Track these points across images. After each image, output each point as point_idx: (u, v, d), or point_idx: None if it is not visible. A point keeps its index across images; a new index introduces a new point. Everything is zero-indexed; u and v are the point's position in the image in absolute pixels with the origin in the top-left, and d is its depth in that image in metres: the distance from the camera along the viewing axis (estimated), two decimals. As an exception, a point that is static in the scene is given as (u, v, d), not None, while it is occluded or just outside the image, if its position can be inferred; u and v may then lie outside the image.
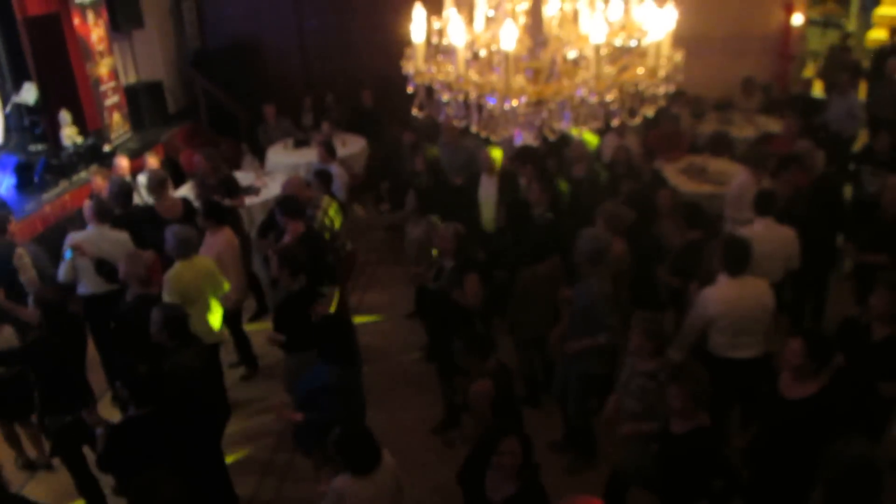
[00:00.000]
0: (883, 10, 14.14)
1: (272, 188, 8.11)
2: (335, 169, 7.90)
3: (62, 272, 5.89)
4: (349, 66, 11.35)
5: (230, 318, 6.42)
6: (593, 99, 2.74)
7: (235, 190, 7.57)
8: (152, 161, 8.17)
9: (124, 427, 4.17)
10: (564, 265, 5.98)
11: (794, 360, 3.91)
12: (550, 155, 8.04)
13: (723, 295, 4.81)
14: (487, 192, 7.21)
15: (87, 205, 6.11)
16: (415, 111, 2.97)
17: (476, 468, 3.73)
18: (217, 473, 4.81)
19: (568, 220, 6.43)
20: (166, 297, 5.30)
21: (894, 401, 4.34)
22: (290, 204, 6.15)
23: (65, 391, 4.85)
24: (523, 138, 2.94)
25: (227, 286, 5.85)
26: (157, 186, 6.80)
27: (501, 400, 4.31)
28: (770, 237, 5.47)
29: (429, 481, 5.12)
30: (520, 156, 7.46)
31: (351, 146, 9.81)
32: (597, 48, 2.64)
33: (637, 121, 2.98)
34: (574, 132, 7.78)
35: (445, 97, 2.85)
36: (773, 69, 11.63)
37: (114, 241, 5.97)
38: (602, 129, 8.02)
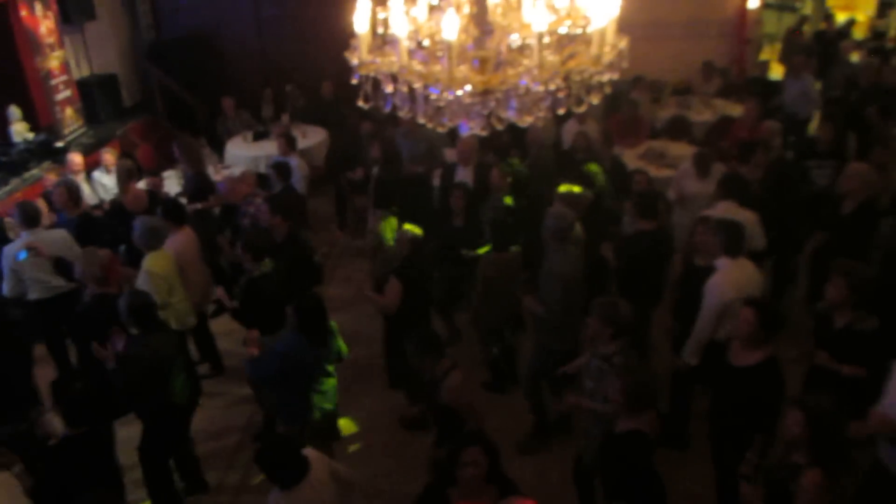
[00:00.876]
0: (837, -7, 14.38)
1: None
2: (295, 161, 7.84)
3: (7, 287, 5.77)
4: (309, 56, 11.21)
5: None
6: (538, 88, 2.72)
7: (209, 189, 7.51)
8: (108, 157, 8.02)
9: (57, 451, 4.06)
10: (524, 254, 6.01)
11: (746, 328, 4.03)
12: (514, 144, 8.06)
13: (733, 278, 4.79)
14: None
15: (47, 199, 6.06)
16: (360, 103, 2.94)
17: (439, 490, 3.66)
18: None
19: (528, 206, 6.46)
20: (152, 290, 5.23)
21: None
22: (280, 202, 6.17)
23: (8, 400, 4.77)
24: (470, 128, 2.92)
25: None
26: (124, 177, 6.76)
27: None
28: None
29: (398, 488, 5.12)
30: (482, 144, 7.49)
31: (311, 137, 9.74)
32: (540, 36, 2.62)
33: (583, 108, 2.97)
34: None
35: (389, 88, 2.82)
36: (731, 53, 11.74)
37: (53, 240, 5.86)
38: (562, 117, 8.18)
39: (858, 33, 13.99)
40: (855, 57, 11.15)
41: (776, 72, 12.08)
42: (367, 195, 7.90)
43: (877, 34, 13.80)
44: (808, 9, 15.67)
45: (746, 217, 5.60)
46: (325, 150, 9.74)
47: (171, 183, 8.27)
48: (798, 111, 9.52)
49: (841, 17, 13.78)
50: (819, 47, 11.92)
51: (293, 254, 5.88)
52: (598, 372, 4.29)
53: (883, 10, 14.91)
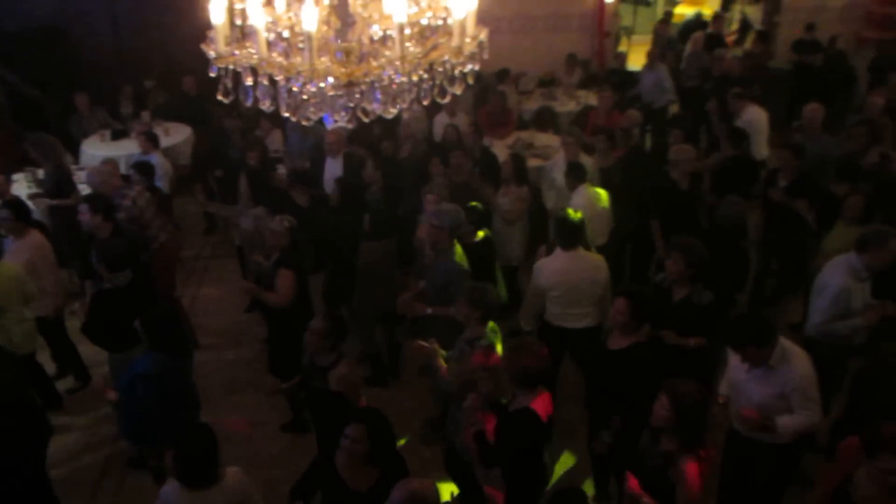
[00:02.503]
0: (686, -12, 15.22)
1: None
2: (157, 160, 7.52)
3: None
4: (169, 50, 10.72)
5: (51, 326, 5.96)
6: (401, 79, 2.73)
7: (69, 187, 7.04)
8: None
9: None
10: (399, 244, 6.04)
11: (619, 317, 4.23)
12: (385, 136, 8.05)
13: (555, 267, 5.07)
14: (332, 174, 7.15)
15: None
16: (220, 97, 2.84)
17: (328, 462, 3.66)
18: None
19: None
20: None
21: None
22: (100, 201, 5.76)
23: None
24: (335, 121, 2.88)
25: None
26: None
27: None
28: (587, 204, 5.95)
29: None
30: (351, 137, 7.46)
31: (175, 135, 9.34)
32: (401, 27, 2.62)
33: (447, 99, 3.00)
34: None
35: (249, 81, 2.74)
36: (592, 45, 12.21)
37: None
38: (433, 110, 8.26)
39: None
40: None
41: (636, 63, 12.63)
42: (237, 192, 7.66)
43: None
44: (660, 2, 16.52)
45: (599, 197, 6.09)
46: (190, 147, 9.37)
47: (21, 187, 7.69)
48: (654, 101, 10.05)
49: (688, 11, 14.60)
50: (681, 37, 12.60)
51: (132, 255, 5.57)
52: (460, 354, 4.35)
53: (727, 4, 15.92)
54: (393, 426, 3.63)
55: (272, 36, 2.84)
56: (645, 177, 6.72)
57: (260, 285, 5.35)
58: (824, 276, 4.80)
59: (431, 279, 5.19)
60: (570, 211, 5.22)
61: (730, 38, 14.39)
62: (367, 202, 6.45)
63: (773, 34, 12.45)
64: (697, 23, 13.63)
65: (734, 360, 4.06)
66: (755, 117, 7.98)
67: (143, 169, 6.89)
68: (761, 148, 8.02)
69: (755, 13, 14.08)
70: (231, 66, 2.80)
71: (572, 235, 5.08)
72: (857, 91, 10.64)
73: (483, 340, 4.26)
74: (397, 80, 2.71)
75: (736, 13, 15.11)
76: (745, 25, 13.94)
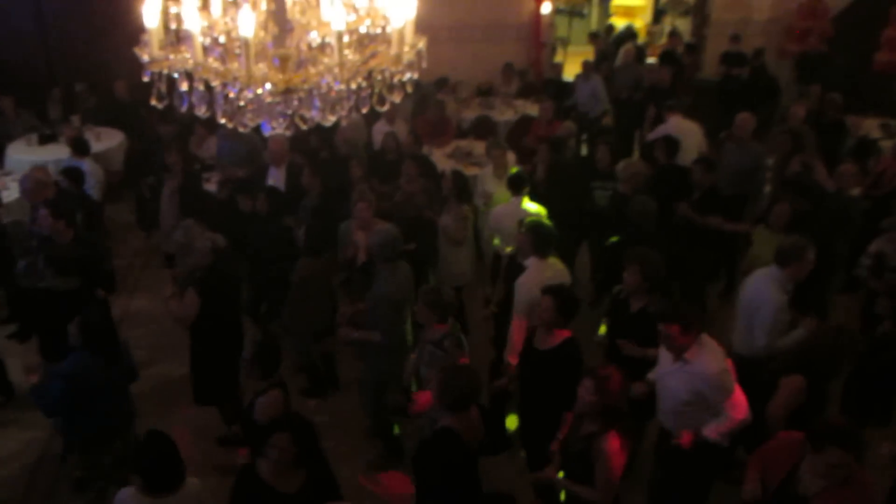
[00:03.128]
0: (618, 0, 15.59)
1: (14, 190, 7.32)
2: (87, 166, 7.31)
3: None
4: (100, 53, 10.40)
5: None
6: (340, 87, 2.74)
7: None
8: None
9: None
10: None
11: (546, 314, 4.29)
12: (323, 144, 8.01)
13: (539, 277, 4.97)
14: (276, 184, 6.98)
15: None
16: (153, 102, 2.79)
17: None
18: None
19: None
20: None
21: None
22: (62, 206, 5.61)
23: None
24: (273, 128, 2.87)
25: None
26: None
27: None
28: (521, 214, 5.94)
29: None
30: (291, 145, 7.38)
31: (106, 141, 9.11)
32: (339, 35, 2.63)
33: (386, 107, 3.02)
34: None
35: (184, 86, 2.71)
36: (528, 55, 12.40)
37: None
38: (372, 118, 8.25)
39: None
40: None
41: (571, 73, 12.87)
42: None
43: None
44: (593, 14, 16.90)
45: (535, 211, 5.98)
46: (122, 153, 9.14)
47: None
48: (589, 110, 10.27)
49: (621, 23, 14.97)
50: (615, 48, 12.92)
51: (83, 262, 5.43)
52: (431, 357, 4.42)
53: (658, 16, 16.40)
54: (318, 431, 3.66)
55: (208, 41, 2.81)
56: (573, 188, 6.85)
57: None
58: (754, 295, 4.83)
59: (368, 300, 5.14)
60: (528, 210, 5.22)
61: (660, 51, 14.83)
62: (300, 212, 6.39)
63: (701, 47, 12.86)
64: (628, 34, 14.01)
65: (662, 351, 4.16)
66: (682, 127, 8.22)
67: (73, 175, 6.69)
68: (687, 157, 8.24)
69: (685, 26, 14.53)
70: (165, 71, 2.76)
71: (549, 242, 5.07)
72: (780, 102, 11.07)
73: (449, 339, 4.36)
74: (336, 88, 2.72)
75: (666, 26, 15.56)
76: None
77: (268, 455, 3.46)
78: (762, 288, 4.77)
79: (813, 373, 3.98)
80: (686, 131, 8.08)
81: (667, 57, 11.60)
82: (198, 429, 5.62)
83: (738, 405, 3.96)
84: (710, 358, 3.95)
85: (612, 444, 3.50)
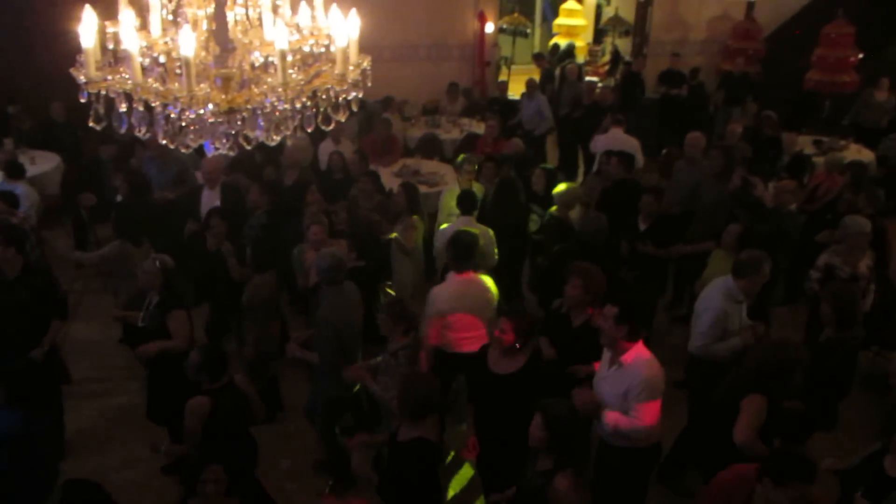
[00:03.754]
0: (560, 20, 15.89)
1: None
2: (22, 190, 7.07)
3: None
4: (35, 74, 10.10)
5: None
6: (283, 106, 2.71)
7: None
8: None
9: None
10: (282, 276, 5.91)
11: (505, 337, 4.21)
12: (269, 162, 7.92)
13: (451, 292, 4.99)
14: (209, 205, 6.81)
15: None
16: (91, 123, 2.72)
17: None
18: None
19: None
20: None
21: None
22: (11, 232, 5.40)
23: None
24: (216, 148, 2.82)
25: None
26: None
27: (217, 422, 4.11)
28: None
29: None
30: (233, 164, 7.29)
31: (42, 164, 8.84)
32: (283, 54, 2.61)
33: (332, 126, 2.99)
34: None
35: (122, 107, 2.64)
36: (473, 74, 12.53)
37: None
38: (317, 138, 8.21)
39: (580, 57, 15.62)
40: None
41: (515, 91, 13.05)
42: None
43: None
44: (536, 34, 17.18)
45: (482, 230, 6.00)
46: (59, 176, 8.88)
47: None
48: (534, 128, 10.41)
49: (563, 42, 15.24)
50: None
51: (34, 289, 5.23)
52: (386, 366, 4.42)
53: (599, 36, 16.75)
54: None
55: (147, 61, 2.75)
56: (518, 205, 6.92)
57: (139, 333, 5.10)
58: (704, 299, 4.98)
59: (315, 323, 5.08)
60: (468, 229, 5.19)
61: (602, 69, 15.16)
62: (245, 232, 6.30)
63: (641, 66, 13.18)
64: (568, 53, 14.30)
65: (603, 358, 4.17)
66: (622, 140, 8.42)
67: (7, 199, 6.47)
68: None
69: (625, 45, 14.88)
70: (103, 92, 2.69)
71: (467, 256, 5.05)
72: (717, 119, 11.41)
73: (406, 351, 4.38)
74: (280, 107, 2.68)
75: (608, 45, 15.91)
76: (616, 57, 14.70)
77: (200, 491, 3.40)
78: (713, 294, 4.91)
79: (768, 390, 3.98)
80: (625, 144, 8.27)
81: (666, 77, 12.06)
82: (141, 457, 5.46)
83: (651, 416, 3.92)
84: (646, 364, 3.95)
85: (566, 483, 3.44)
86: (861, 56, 10.85)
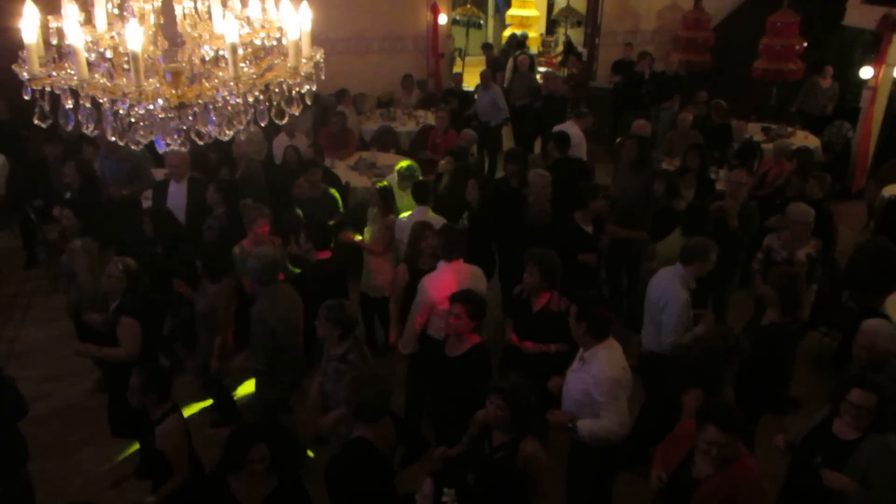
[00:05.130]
0: (512, 11, 15.94)
1: None
2: (-36, 191, 6.86)
3: None
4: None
5: None
6: (236, 100, 2.67)
7: None
8: None
9: None
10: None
11: (458, 321, 4.29)
12: (223, 160, 7.80)
13: (442, 280, 4.97)
14: (176, 200, 6.73)
15: None
16: (36, 121, 2.64)
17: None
18: None
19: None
20: None
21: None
22: None
23: None
24: (167, 144, 2.77)
25: None
26: None
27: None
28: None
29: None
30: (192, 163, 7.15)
31: (-15, 164, 8.57)
32: (233, 48, 2.57)
33: (286, 120, 2.96)
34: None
35: (68, 104, 2.58)
36: (427, 66, 12.49)
37: None
38: (271, 132, 8.11)
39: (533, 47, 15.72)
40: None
41: (470, 83, 13.08)
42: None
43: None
44: (489, 25, 17.22)
45: (434, 219, 6.02)
46: (4, 177, 8.62)
47: None
48: (490, 119, 10.43)
49: (519, 33, 15.31)
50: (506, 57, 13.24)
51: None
52: (336, 373, 4.33)
53: (551, 27, 16.87)
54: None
55: (93, 56, 2.69)
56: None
57: (93, 335, 4.97)
58: (660, 293, 4.99)
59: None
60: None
61: (555, 60, 15.28)
62: (204, 232, 6.18)
63: (594, 56, 13.30)
64: (520, 44, 14.37)
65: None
66: (574, 133, 8.48)
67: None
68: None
69: (577, 36, 15.00)
70: (48, 88, 2.62)
71: (457, 244, 5.07)
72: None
73: (354, 352, 4.28)
74: (232, 102, 2.65)
75: (560, 36, 16.03)
76: (569, 48, 14.82)
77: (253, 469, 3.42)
78: (667, 286, 4.96)
79: (707, 380, 4.07)
80: (577, 138, 8.35)
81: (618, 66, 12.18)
82: (99, 465, 5.35)
83: (621, 417, 3.97)
84: (606, 362, 3.97)
85: (533, 446, 3.55)
86: (805, 45, 11.09)
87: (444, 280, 4.99)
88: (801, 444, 3.97)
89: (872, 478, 3.56)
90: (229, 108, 2.70)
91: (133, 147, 2.75)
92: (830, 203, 7.18)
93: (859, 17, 9.98)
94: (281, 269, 5.13)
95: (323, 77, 2.94)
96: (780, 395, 5.02)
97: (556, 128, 8.29)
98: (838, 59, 11.71)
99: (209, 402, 5.84)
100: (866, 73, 10.34)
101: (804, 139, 10.10)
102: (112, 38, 2.70)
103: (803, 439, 3.98)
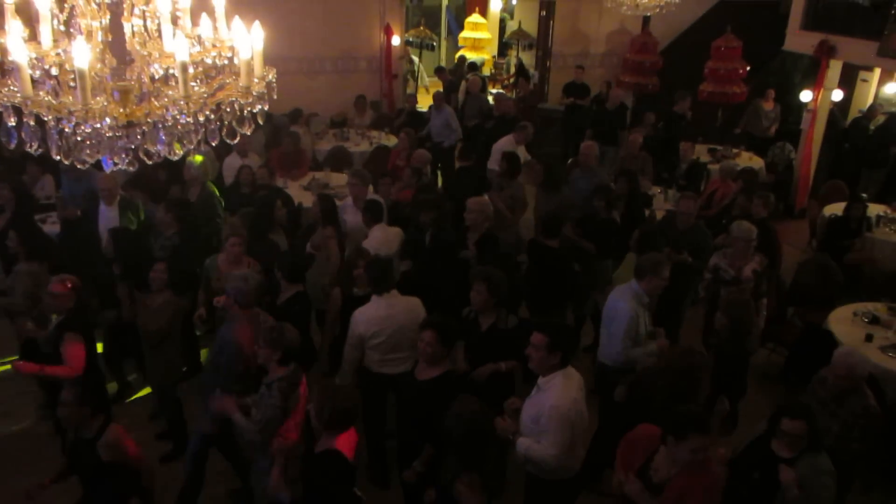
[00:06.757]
0: (465, 34, 16.11)
1: None
2: None
3: None
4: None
5: None
6: (186, 119, 2.63)
7: None
8: None
9: None
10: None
11: (428, 348, 4.20)
12: (173, 181, 7.69)
13: (373, 314, 4.88)
14: (107, 223, 6.58)
15: None
16: (-24, 140, 2.57)
17: None
18: None
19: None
20: None
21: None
22: None
23: None
24: (115, 164, 2.71)
25: None
26: None
27: None
28: (383, 238, 6.10)
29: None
30: (133, 181, 7.04)
31: (-78, 183, 8.27)
32: (183, 66, 2.53)
33: (237, 140, 2.93)
34: (197, 159, 7.58)
35: (11, 121, 2.51)
36: (381, 87, 12.53)
37: None
38: (223, 151, 8.02)
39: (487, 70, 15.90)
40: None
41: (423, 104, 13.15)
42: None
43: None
44: (442, 46, 17.35)
45: (394, 232, 6.17)
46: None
47: None
48: (443, 140, 10.49)
49: (472, 56, 15.48)
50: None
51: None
52: (261, 398, 4.17)
53: (503, 50, 17.09)
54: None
55: (38, 73, 2.63)
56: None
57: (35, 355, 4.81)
58: (611, 305, 5.09)
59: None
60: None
61: (507, 82, 15.48)
62: (156, 253, 6.07)
63: (545, 78, 13.51)
64: (472, 66, 14.54)
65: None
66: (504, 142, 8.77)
67: None
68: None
69: (529, 59, 15.22)
70: (-10, 106, 2.55)
71: (385, 278, 4.95)
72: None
73: (283, 382, 4.12)
74: (182, 121, 2.61)
75: (512, 58, 16.24)
76: (521, 70, 15.02)
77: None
78: (618, 298, 5.05)
79: (674, 397, 4.07)
80: (505, 145, 8.68)
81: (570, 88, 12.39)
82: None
83: (558, 449, 3.89)
84: (560, 390, 3.93)
85: (465, 485, 3.47)
86: (749, 69, 11.44)
87: (374, 313, 4.88)
88: (740, 458, 4.08)
89: (806, 495, 3.72)
90: (179, 126, 2.65)
91: (79, 166, 2.68)
92: (774, 222, 7.37)
93: (798, 43, 10.34)
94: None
95: (275, 97, 2.92)
96: (734, 413, 5.13)
97: (497, 143, 8.48)
98: (780, 82, 12.12)
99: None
100: (806, 96, 10.72)
101: (749, 160, 10.40)
102: (58, 55, 2.65)
103: (742, 452, 4.09)
